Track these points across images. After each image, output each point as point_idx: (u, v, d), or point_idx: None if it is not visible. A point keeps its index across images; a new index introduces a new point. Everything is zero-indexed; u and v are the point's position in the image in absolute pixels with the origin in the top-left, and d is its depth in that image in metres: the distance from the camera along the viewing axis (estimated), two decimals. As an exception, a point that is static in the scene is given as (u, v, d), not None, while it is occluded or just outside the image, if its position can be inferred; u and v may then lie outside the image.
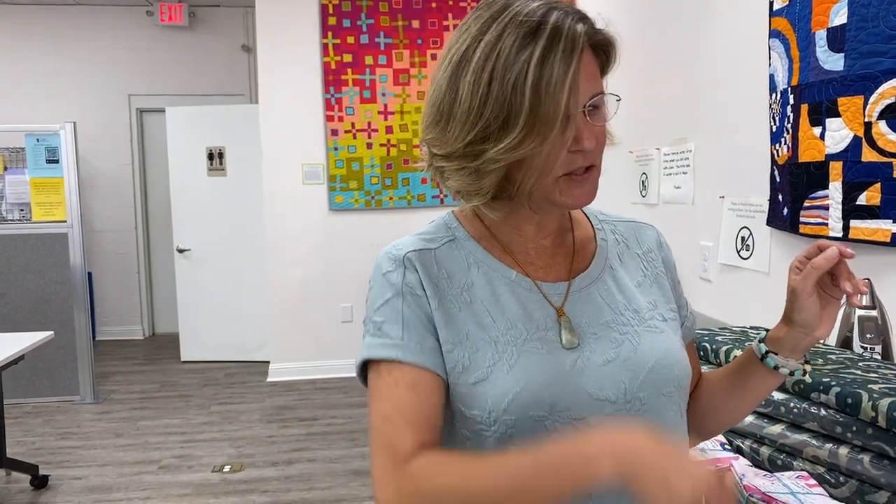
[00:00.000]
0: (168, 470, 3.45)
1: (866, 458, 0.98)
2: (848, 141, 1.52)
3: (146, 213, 6.62)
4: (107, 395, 4.75)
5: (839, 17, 1.53)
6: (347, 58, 4.86)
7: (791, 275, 0.82)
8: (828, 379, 1.05)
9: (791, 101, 1.73)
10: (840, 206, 1.56)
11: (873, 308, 1.33)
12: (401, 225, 4.93)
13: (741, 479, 1.03)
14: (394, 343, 0.78)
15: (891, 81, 1.40)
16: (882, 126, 1.43)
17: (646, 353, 0.81)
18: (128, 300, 6.59)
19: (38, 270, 4.57)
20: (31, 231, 4.55)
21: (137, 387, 4.97)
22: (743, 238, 2.08)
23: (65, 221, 4.54)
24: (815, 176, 1.64)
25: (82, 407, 4.51)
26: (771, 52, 1.85)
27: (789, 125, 1.74)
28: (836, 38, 1.54)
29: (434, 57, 4.88)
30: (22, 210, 4.65)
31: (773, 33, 1.83)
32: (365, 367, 0.81)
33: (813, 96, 1.63)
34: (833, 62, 1.55)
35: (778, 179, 1.85)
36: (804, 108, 1.66)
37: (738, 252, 2.11)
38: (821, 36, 1.59)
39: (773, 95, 1.85)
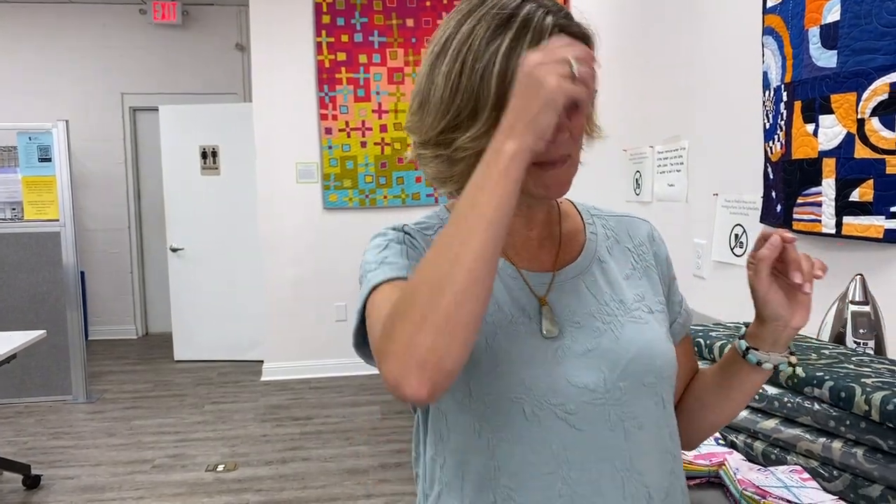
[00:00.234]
0: (161, 469, 3.44)
1: (860, 451, 0.98)
2: (841, 138, 1.53)
3: (139, 212, 6.60)
4: (99, 395, 4.73)
5: (832, 13, 1.54)
6: (341, 56, 4.85)
7: (748, 271, 0.82)
8: (821, 373, 1.05)
9: (784, 98, 1.73)
10: (833, 203, 1.56)
11: (866, 304, 1.33)
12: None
13: (735, 474, 1.03)
14: (400, 266, 0.78)
15: (883, 78, 1.41)
16: (875, 123, 1.43)
17: (627, 344, 0.81)
18: (121, 299, 6.57)
19: (31, 269, 4.54)
20: (24, 230, 4.52)
21: (130, 386, 4.95)
22: (737, 235, 2.09)
23: (57, 220, 4.52)
24: (808, 173, 1.64)
25: (75, 406, 4.49)
26: (764, 49, 1.86)
27: (783, 122, 1.75)
28: (829, 35, 1.55)
29: (428, 56, 4.87)
30: (14, 209, 4.63)
31: (767, 30, 1.83)
32: (362, 334, 0.78)
33: (806, 93, 1.63)
34: (826, 59, 1.56)
35: (771, 176, 1.85)
36: (797, 105, 1.67)
37: (732, 249, 2.11)
38: (814, 33, 1.60)
39: (767, 93, 1.85)
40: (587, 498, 0.77)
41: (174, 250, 5.51)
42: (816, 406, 1.05)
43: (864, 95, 1.45)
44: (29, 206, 4.51)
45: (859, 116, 1.47)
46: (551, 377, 0.78)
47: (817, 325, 1.42)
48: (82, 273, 5.66)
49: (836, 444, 1.01)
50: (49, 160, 4.48)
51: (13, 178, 4.60)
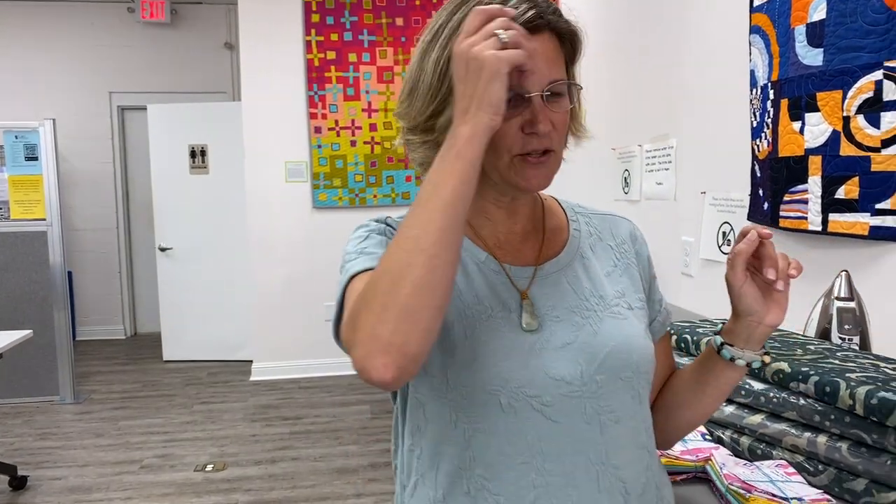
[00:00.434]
0: (150, 470, 3.42)
1: (844, 445, 0.99)
2: (827, 135, 1.54)
3: (128, 212, 6.56)
4: (87, 395, 4.69)
5: (818, 12, 1.55)
6: (331, 55, 4.84)
7: (727, 266, 0.83)
8: (806, 368, 1.05)
9: (771, 97, 1.74)
10: (819, 200, 1.57)
11: (851, 300, 1.34)
12: (385, 223, 4.91)
13: (721, 469, 1.03)
14: (378, 257, 0.78)
15: (868, 76, 1.42)
16: (860, 120, 1.44)
17: (605, 338, 0.83)
18: (109, 299, 6.53)
19: (17, 269, 4.50)
20: (10, 229, 4.48)
21: (119, 386, 4.92)
22: (724, 233, 2.10)
23: (44, 219, 4.49)
24: (794, 170, 1.65)
25: (62, 407, 4.46)
26: (751, 47, 1.87)
27: (769, 120, 1.76)
28: (815, 34, 1.56)
29: (418, 55, 4.86)
30: (0, 208, 4.59)
31: (754, 29, 1.84)
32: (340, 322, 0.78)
33: (792, 91, 1.64)
34: (812, 57, 1.57)
35: (758, 174, 1.86)
36: (784, 102, 1.68)
37: (720, 247, 2.12)
38: (800, 31, 1.61)
39: (754, 91, 1.86)
40: (561, 489, 0.78)
41: (163, 250, 5.48)
42: (802, 401, 1.05)
43: (850, 93, 1.46)
44: (15, 206, 4.48)
45: (845, 114, 1.48)
46: (529, 369, 0.79)
47: (804, 320, 1.43)
48: (70, 273, 5.62)
49: (822, 439, 1.02)
50: (36, 159, 4.45)
51: (-1, 176, 4.56)
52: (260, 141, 4.85)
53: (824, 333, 1.36)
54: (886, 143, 1.39)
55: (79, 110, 6.25)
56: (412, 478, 0.85)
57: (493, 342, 0.79)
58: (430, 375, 0.80)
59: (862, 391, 0.95)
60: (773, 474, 1.01)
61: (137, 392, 4.78)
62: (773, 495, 0.94)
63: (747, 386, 1.14)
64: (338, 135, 4.90)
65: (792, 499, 0.93)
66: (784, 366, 1.08)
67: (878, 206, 1.42)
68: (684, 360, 1.30)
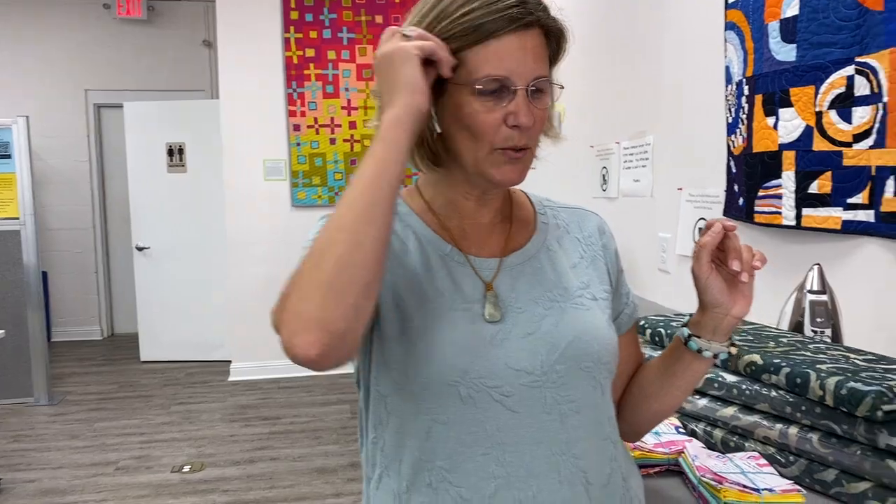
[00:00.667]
0: (126, 471, 3.37)
1: (815, 436, 0.99)
2: (800, 130, 1.55)
3: (104, 211, 6.47)
4: (62, 397, 4.62)
5: (791, 8, 1.55)
6: (310, 52, 4.81)
7: (693, 259, 0.84)
8: (778, 360, 1.06)
9: (746, 92, 1.75)
10: (793, 195, 1.58)
11: (823, 293, 1.35)
12: (365, 221, 4.89)
13: (694, 461, 1.03)
14: None
15: (840, 71, 1.43)
16: (832, 115, 1.45)
17: (567, 328, 0.83)
18: (85, 300, 6.44)
19: (-10, 269, 4.43)
20: (-18, 228, 4.41)
21: (95, 388, 4.85)
22: (700, 229, 2.10)
23: (17, 219, 4.41)
24: (768, 165, 1.66)
25: (36, 409, 4.39)
26: (726, 43, 1.87)
27: (744, 116, 1.77)
28: (788, 29, 1.57)
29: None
30: (-28, 207, 4.51)
31: (729, 25, 1.85)
32: None
33: (766, 87, 1.65)
34: (785, 53, 1.58)
35: (734, 170, 1.87)
36: (758, 98, 1.69)
37: (696, 243, 2.13)
38: (773, 27, 1.61)
39: (729, 87, 1.87)
40: (522, 480, 0.78)
41: (140, 249, 5.42)
42: (774, 393, 1.06)
43: (822, 88, 1.47)
44: (-12, 204, 4.40)
45: (817, 109, 1.49)
46: (489, 360, 0.79)
47: (777, 314, 1.44)
48: (45, 273, 5.55)
49: (793, 430, 1.02)
50: (9, 157, 4.38)
51: (-29, 175, 4.48)
52: (238, 139, 4.81)
53: (797, 326, 1.36)
54: (858, 137, 1.40)
55: (54, 108, 6.16)
56: (377, 470, 0.85)
57: (452, 334, 0.79)
58: (391, 368, 0.80)
59: (832, 382, 0.95)
60: (745, 466, 1.01)
61: (114, 393, 4.72)
62: (745, 486, 0.94)
63: (720, 379, 1.14)
64: (317, 133, 4.87)
65: (763, 490, 0.93)
66: (756, 358, 1.08)
67: (849, 200, 1.44)
68: (658, 354, 1.30)
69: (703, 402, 1.18)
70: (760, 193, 1.70)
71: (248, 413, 4.22)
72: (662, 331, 1.31)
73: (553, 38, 0.82)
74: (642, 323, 1.34)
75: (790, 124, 1.57)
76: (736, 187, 1.85)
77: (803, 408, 1.01)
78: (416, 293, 0.82)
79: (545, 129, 0.86)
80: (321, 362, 0.64)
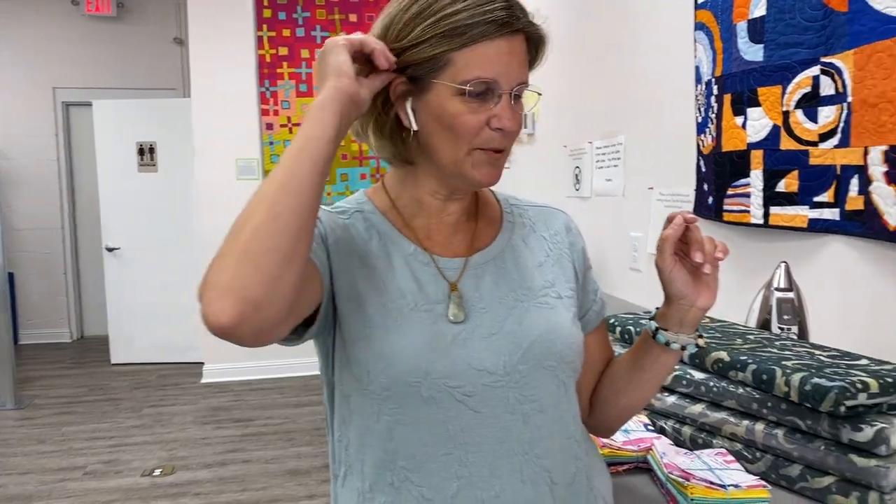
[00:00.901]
0: (94, 476, 3.31)
1: (780, 432, 1.00)
2: (768, 130, 1.56)
3: (73, 211, 6.36)
4: (29, 401, 4.53)
5: (759, 8, 1.57)
6: (283, 51, 4.77)
7: (656, 252, 0.85)
8: (745, 357, 1.06)
9: (715, 92, 1.76)
10: (761, 194, 1.60)
11: (790, 290, 1.36)
12: (339, 221, 4.86)
13: (662, 458, 1.04)
14: None
15: (806, 71, 1.44)
16: (799, 115, 1.47)
17: (530, 327, 0.83)
18: (53, 302, 6.32)
19: (-47, 270, 4.33)
20: (-55, 229, 4.31)
21: (63, 391, 4.76)
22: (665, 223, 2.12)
23: (-18, 218, 4.32)
24: (737, 164, 1.67)
25: (2, 413, 4.29)
26: (696, 44, 1.89)
27: (713, 115, 1.78)
28: (756, 30, 1.58)
29: (372, 52, 4.84)
30: (-65, 206, 4.40)
31: (698, 25, 1.87)
32: None
33: (735, 86, 1.66)
34: (753, 53, 1.59)
35: (703, 169, 1.88)
36: (727, 98, 1.70)
37: (659, 236, 2.14)
38: (742, 27, 1.63)
39: (699, 87, 1.89)
40: (484, 480, 0.77)
41: (110, 250, 5.33)
42: (741, 390, 1.06)
43: (789, 88, 1.49)
44: (-49, 204, 4.30)
45: (784, 109, 1.51)
46: (452, 361, 0.78)
47: (745, 311, 1.45)
48: (11, 274, 5.43)
49: (759, 427, 1.03)
50: (-27, 155, 4.28)
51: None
52: (210, 138, 4.75)
53: (765, 324, 1.38)
54: (823, 136, 1.42)
55: (21, 106, 6.04)
56: (342, 468, 0.85)
57: (414, 334, 0.79)
58: (353, 369, 0.80)
59: (796, 378, 0.96)
60: (712, 462, 1.01)
61: (83, 397, 4.63)
62: (711, 482, 0.94)
63: (689, 376, 1.15)
64: (290, 131, 4.83)
65: (729, 486, 0.94)
66: (723, 355, 1.09)
67: (815, 199, 1.45)
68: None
69: (671, 399, 1.18)
70: (729, 192, 1.72)
71: (221, 415, 4.17)
72: (632, 328, 1.31)
73: (533, 45, 0.83)
74: (612, 321, 1.35)
75: (758, 123, 1.59)
76: (705, 186, 1.87)
77: (769, 404, 1.02)
78: (378, 293, 0.81)
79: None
80: (234, 331, 0.63)
